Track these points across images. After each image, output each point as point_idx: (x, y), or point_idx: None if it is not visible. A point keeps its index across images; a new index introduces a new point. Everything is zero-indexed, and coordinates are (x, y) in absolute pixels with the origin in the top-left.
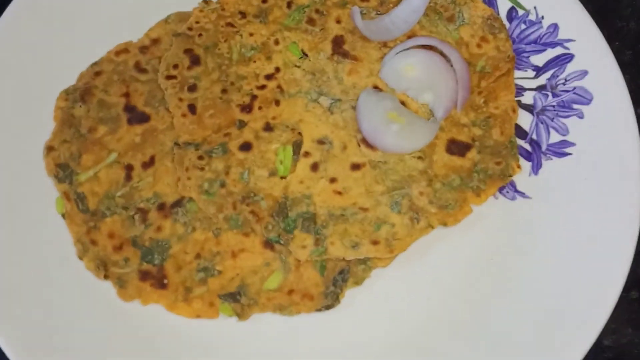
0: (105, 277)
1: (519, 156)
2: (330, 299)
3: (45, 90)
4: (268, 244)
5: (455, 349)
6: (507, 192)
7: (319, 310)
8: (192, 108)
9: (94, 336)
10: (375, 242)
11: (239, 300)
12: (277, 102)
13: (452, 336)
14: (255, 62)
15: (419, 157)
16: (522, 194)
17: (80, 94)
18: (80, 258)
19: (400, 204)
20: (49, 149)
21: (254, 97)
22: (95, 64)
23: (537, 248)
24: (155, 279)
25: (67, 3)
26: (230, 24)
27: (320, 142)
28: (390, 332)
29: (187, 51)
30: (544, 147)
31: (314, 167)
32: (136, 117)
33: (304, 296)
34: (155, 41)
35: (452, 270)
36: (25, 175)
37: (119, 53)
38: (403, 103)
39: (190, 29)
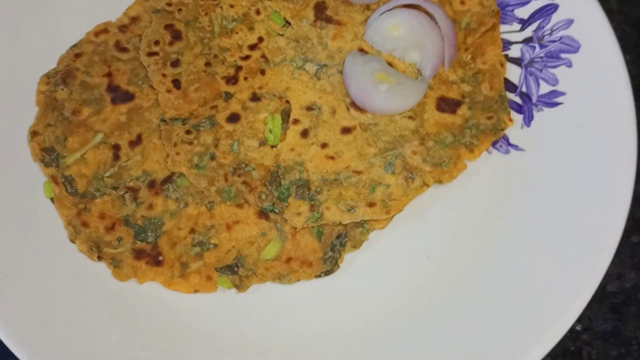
0: (99, 258)
1: (510, 109)
2: (329, 265)
3: (25, 75)
4: (263, 214)
5: (458, 306)
6: (501, 146)
7: (319, 276)
8: (176, 83)
9: (90, 318)
10: (371, 204)
11: (236, 272)
12: (263, 72)
13: (454, 294)
14: (237, 33)
15: (410, 117)
16: (515, 147)
17: (61, 76)
18: (72, 241)
19: (393, 165)
20: (33, 133)
21: (239, 68)
22: (74, 46)
23: (534, 200)
24: (150, 257)
25: None
26: None
27: (309, 108)
28: (391, 293)
29: (168, 27)
30: (534, 99)
31: (304, 133)
32: (120, 96)
33: (302, 263)
34: (135, 19)
35: (450, 227)
36: (10, 162)
37: (99, 33)
38: (390, 64)
39: (169, 4)
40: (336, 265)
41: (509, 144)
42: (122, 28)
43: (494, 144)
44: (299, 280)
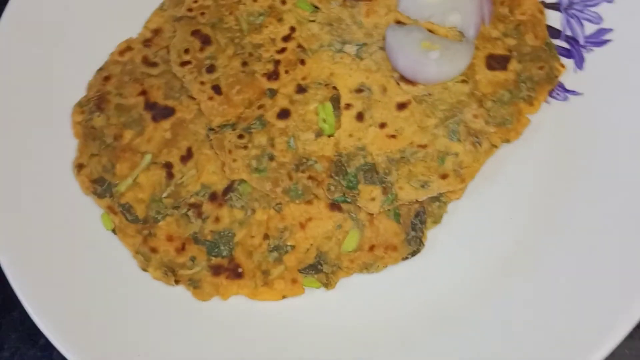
0: (176, 282)
1: (559, 56)
2: (414, 245)
3: (56, 108)
4: (334, 206)
5: (551, 261)
6: (558, 94)
7: (405, 258)
8: (216, 89)
9: (181, 344)
10: (444, 176)
11: (321, 269)
12: (303, 62)
13: (542, 253)
14: (267, 27)
15: (463, 81)
16: (573, 92)
17: (95, 103)
18: (145, 269)
19: (457, 132)
20: (79, 167)
21: (277, 62)
22: (101, 69)
23: (602, 142)
24: (229, 271)
25: (54, 14)
26: None
27: (358, 90)
28: (480, 262)
29: (195, 33)
30: (581, 41)
31: (359, 116)
32: (160, 112)
33: (386, 248)
34: (157, 31)
35: (524, 185)
36: (60, 201)
37: (123, 52)
38: (431, 31)
39: (190, 10)
40: (421, 244)
41: (566, 91)
42: (146, 42)
43: (550, 94)
44: (386, 266)
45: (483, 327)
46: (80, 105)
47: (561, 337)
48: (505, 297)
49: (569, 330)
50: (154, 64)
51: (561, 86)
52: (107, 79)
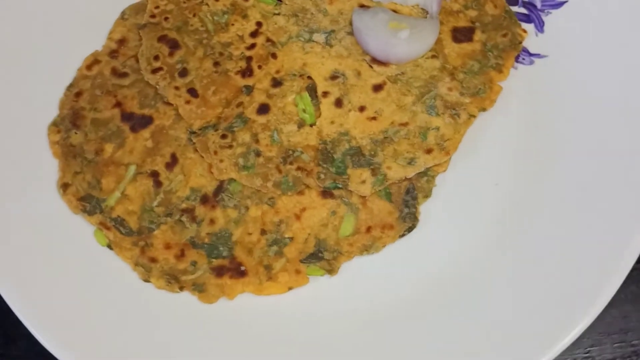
0: (181, 288)
1: (520, 22)
2: (409, 221)
3: (30, 131)
4: (326, 193)
5: (541, 220)
6: (524, 59)
7: (402, 235)
8: (192, 92)
9: (190, 346)
10: (428, 151)
11: (322, 257)
12: (274, 55)
13: (533, 209)
14: (233, 25)
15: (433, 56)
16: (537, 56)
17: (69, 121)
18: (147, 280)
19: (435, 107)
20: (64, 187)
21: (249, 58)
22: (71, 86)
23: (572, 99)
24: (232, 270)
25: (12, 36)
26: None
27: (333, 77)
28: (475, 230)
29: (161, 39)
30: (538, 5)
31: (338, 103)
32: (138, 122)
33: (383, 228)
34: (122, 41)
35: (507, 150)
36: (50, 223)
37: (90, 66)
38: (395, 11)
39: (153, 16)
40: (416, 219)
41: (531, 55)
42: (113, 54)
43: (517, 59)
44: (385, 245)
45: (484, 292)
46: (55, 125)
47: (561, 292)
48: (501, 260)
49: (567, 285)
50: (124, 75)
51: (525, 51)
52: (78, 95)
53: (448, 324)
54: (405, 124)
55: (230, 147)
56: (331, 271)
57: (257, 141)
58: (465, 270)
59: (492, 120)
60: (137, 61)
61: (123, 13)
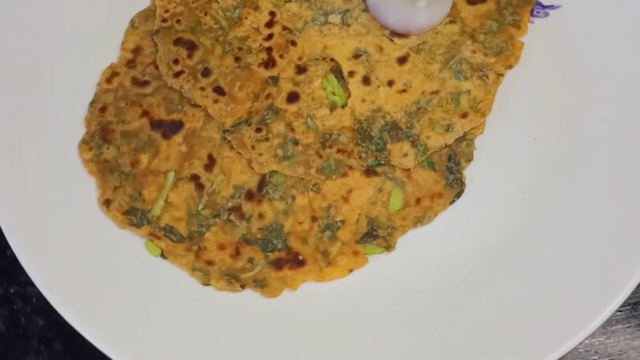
0: (242, 287)
1: None
2: (456, 187)
3: (59, 154)
4: (370, 172)
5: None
6: (538, 12)
7: (452, 202)
8: (218, 90)
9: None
10: (464, 115)
11: (377, 235)
12: (293, 43)
13: (576, 155)
14: (246, 18)
15: (451, 22)
16: (551, 7)
17: (99, 137)
18: (206, 284)
19: (462, 71)
20: (106, 203)
21: (269, 49)
22: (94, 101)
23: (594, 45)
24: (290, 261)
25: (26, 60)
26: None
27: (356, 56)
28: (519, 186)
29: (177, 42)
30: None
31: (365, 80)
32: (168, 128)
33: (432, 197)
34: (137, 50)
35: (538, 104)
36: (99, 242)
37: (110, 79)
38: None
39: (164, 20)
40: (462, 184)
41: (545, 7)
42: (130, 64)
43: (532, 14)
44: (436, 214)
45: (538, 249)
46: (85, 143)
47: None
48: (549, 213)
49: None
50: (145, 83)
51: (539, 4)
52: (103, 109)
53: (502, 291)
54: (436, 92)
55: (267, 139)
56: (389, 247)
57: (292, 130)
58: (513, 232)
59: (518, 77)
60: (156, 68)
61: (132, 22)
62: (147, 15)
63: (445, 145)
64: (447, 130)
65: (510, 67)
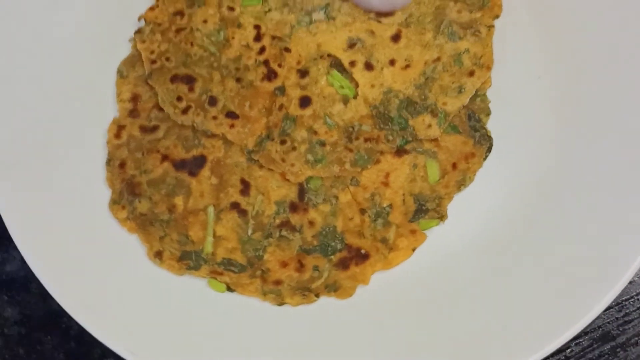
0: (317, 295)
1: None
2: (484, 142)
3: (96, 220)
4: (400, 151)
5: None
6: None
7: (486, 157)
8: (231, 115)
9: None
10: (471, 73)
11: (427, 209)
12: (287, 49)
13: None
14: (233, 38)
15: None
16: None
17: (127, 193)
18: (282, 303)
19: (455, 32)
20: (157, 255)
21: (265, 62)
22: (109, 160)
23: None
24: (355, 257)
25: (31, 136)
26: (178, 30)
27: (351, 45)
28: (536, 121)
29: (174, 79)
30: None
31: (368, 66)
32: (192, 166)
33: (466, 158)
34: (134, 98)
35: (533, 44)
36: (164, 296)
37: (118, 134)
38: None
39: (153, 62)
40: (490, 138)
41: None
42: (132, 113)
43: None
44: (475, 173)
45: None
46: (116, 202)
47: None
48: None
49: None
50: (154, 128)
51: None
52: (122, 166)
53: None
54: (437, 59)
55: (294, 148)
56: (442, 217)
57: (315, 133)
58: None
59: (510, 26)
60: (160, 110)
61: (120, 72)
62: (132, 61)
63: (463, 106)
64: (460, 92)
65: (497, 16)
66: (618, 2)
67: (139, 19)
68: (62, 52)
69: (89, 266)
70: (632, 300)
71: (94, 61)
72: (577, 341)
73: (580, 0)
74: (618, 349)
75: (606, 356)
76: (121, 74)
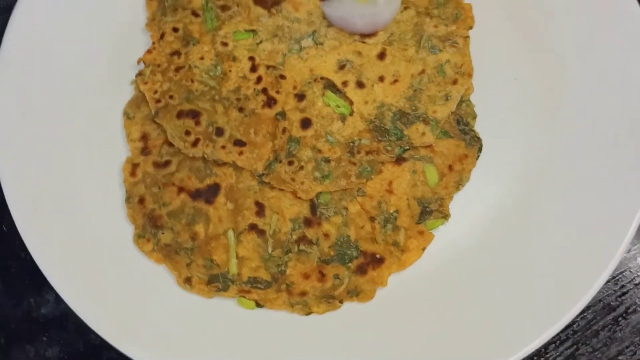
0: (341, 302)
1: None
2: (474, 143)
3: (126, 256)
4: (399, 160)
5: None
6: None
7: (478, 157)
8: (239, 143)
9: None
10: (454, 82)
11: (431, 210)
12: (282, 76)
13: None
14: (230, 71)
15: (406, 8)
16: None
17: (150, 227)
18: (309, 313)
19: (434, 45)
20: (187, 281)
21: (264, 90)
22: (128, 198)
23: None
24: (371, 262)
25: (50, 186)
26: (177, 69)
27: (341, 67)
28: (521, 119)
29: (180, 115)
30: None
31: (359, 85)
32: (208, 194)
33: (460, 160)
34: (144, 137)
35: (505, 48)
36: (198, 319)
37: (133, 172)
38: None
39: (158, 101)
40: (479, 139)
41: None
42: (144, 151)
43: None
44: (470, 172)
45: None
46: (140, 237)
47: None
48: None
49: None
50: (167, 163)
51: None
52: (141, 201)
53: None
54: (422, 72)
55: (302, 168)
56: (445, 216)
57: (319, 151)
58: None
59: (485, 32)
60: (170, 145)
61: (126, 114)
62: (137, 103)
63: (451, 112)
64: (447, 99)
65: (471, 27)
66: (580, 6)
67: (138, 62)
68: (67, 103)
69: (124, 299)
70: (626, 272)
71: (98, 107)
72: (582, 315)
73: (548, 9)
74: (619, 318)
75: (610, 326)
76: (128, 116)
